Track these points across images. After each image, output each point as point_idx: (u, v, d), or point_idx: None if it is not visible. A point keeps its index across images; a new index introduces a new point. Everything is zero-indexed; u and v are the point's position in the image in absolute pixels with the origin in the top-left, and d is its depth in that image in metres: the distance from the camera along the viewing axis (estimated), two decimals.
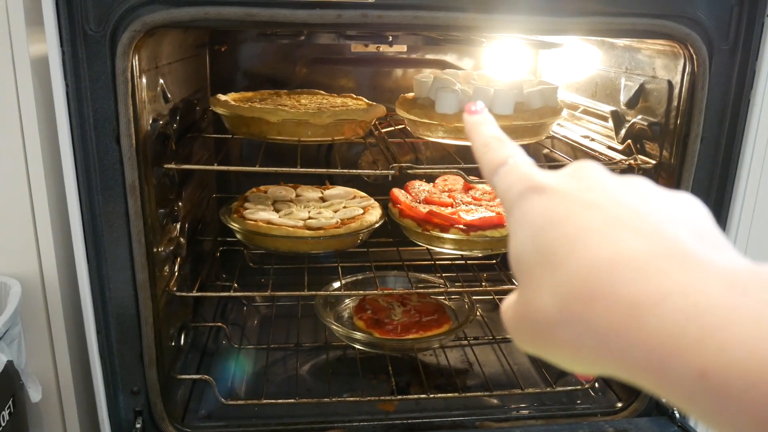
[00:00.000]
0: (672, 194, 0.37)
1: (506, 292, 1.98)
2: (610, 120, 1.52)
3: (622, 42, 1.49)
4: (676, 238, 0.31)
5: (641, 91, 1.41)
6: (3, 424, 1.10)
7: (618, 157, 1.45)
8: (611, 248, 0.32)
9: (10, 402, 1.13)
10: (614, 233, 0.32)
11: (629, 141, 1.43)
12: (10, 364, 1.09)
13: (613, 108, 1.52)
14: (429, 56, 2.00)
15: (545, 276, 0.34)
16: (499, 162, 0.44)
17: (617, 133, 1.49)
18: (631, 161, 1.39)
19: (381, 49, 1.91)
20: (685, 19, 1.18)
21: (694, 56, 1.21)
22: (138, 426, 1.29)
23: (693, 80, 1.22)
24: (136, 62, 1.12)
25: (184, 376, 1.44)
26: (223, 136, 1.56)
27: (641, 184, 0.38)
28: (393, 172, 1.31)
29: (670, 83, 1.30)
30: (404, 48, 1.94)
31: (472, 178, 1.38)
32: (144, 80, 1.19)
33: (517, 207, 0.39)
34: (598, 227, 0.33)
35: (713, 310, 0.28)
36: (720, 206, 1.30)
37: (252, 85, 1.91)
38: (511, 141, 0.46)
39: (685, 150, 1.26)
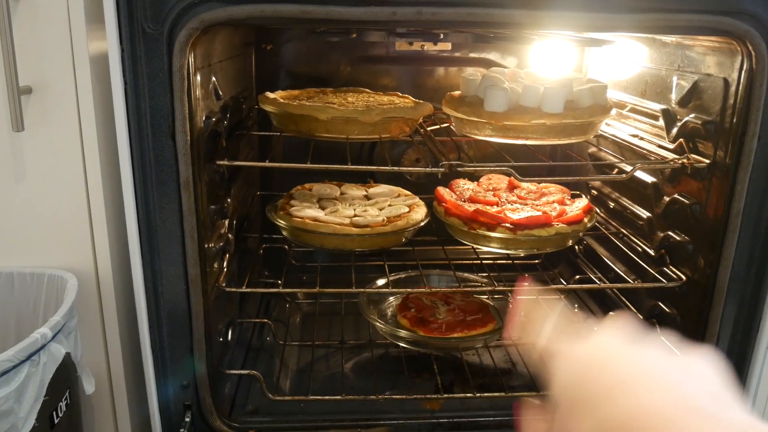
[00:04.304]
0: (691, 354, 0.43)
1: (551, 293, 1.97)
2: (661, 119, 1.49)
3: (673, 39, 1.46)
4: (694, 395, 0.38)
5: (694, 89, 1.38)
6: (60, 415, 1.12)
7: (669, 156, 1.43)
8: (643, 398, 0.38)
9: (67, 393, 1.15)
10: (646, 386, 0.39)
11: (681, 140, 1.41)
12: (68, 356, 1.11)
13: (664, 106, 1.49)
14: (473, 54, 1.99)
15: (588, 410, 0.41)
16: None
17: (668, 131, 1.46)
18: (684, 160, 1.36)
19: (425, 48, 1.91)
20: (744, 15, 1.15)
21: (753, 53, 1.18)
22: (187, 420, 1.31)
23: (751, 77, 1.20)
24: (191, 60, 1.13)
25: (232, 371, 1.46)
26: (272, 134, 1.57)
27: (666, 344, 0.45)
28: (443, 169, 1.31)
29: (725, 81, 1.27)
30: (448, 46, 1.93)
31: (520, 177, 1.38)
32: (198, 78, 1.20)
33: (565, 346, 0.47)
34: (633, 380, 0.40)
35: None
36: None
37: (296, 83, 1.92)
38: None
39: (741, 149, 1.24)
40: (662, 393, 0.38)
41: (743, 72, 1.22)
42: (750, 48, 1.18)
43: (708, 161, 1.33)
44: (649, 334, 0.45)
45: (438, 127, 1.67)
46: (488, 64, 1.97)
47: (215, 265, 1.38)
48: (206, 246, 1.28)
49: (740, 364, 1.36)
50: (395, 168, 1.39)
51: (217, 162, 1.31)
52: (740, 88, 1.23)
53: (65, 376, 1.13)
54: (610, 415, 0.38)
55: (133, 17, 1.07)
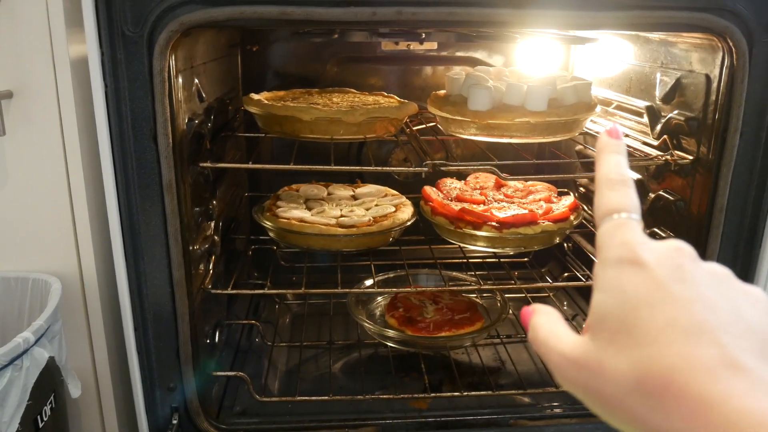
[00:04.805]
0: (746, 295, 0.42)
1: (539, 290, 1.98)
2: (645, 116, 1.50)
3: (657, 36, 1.47)
4: (741, 352, 0.38)
5: (677, 86, 1.39)
6: (45, 419, 1.12)
7: (654, 153, 1.43)
8: (690, 349, 0.38)
9: (52, 397, 1.15)
10: (695, 336, 0.38)
11: (665, 137, 1.41)
12: (51, 360, 1.11)
13: (648, 103, 1.50)
14: (459, 53, 1.99)
15: (629, 346, 0.40)
16: (616, 208, 0.47)
17: (652, 128, 1.47)
18: (668, 157, 1.37)
19: (411, 47, 1.91)
20: (724, 11, 1.16)
21: (733, 49, 1.18)
22: (174, 422, 1.31)
23: (732, 74, 1.20)
24: (172, 62, 1.13)
25: (219, 373, 1.46)
26: (255, 135, 1.57)
27: (723, 281, 0.43)
28: (426, 169, 1.31)
29: (707, 77, 1.28)
30: (435, 45, 1.93)
31: (504, 175, 1.38)
32: (180, 80, 1.20)
33: (614, 269, 0.43)
34: (683, 326, 0.39)
35: (761, 414, 0.34)
36: (760, 202, 1.27)
37: (283, 84, 1.92)
38: (633, 188, 0.48)
39: (723, 145, 1.24)
40: (709, 347, 0.37)
41: (724, 68, 1.22)
42: (731, 44, 1.18)
43: (691, 157, 1.33)
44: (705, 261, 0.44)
45: (424, 126, 1.68)
46: (475, 62, 1.97)
47: (201, 267, 1.38)
48: (191, 248, 1.27)
49: None
50: (378, 168, 1.40)
51: (201, 164, 1.30)
52: (722, 84, 1.23)
53: (49, 381, 1.13)
54: (650, 360, 0.39)
55: (113, 20, 1.06)
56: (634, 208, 0.47)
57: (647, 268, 0.42)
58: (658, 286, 0.41)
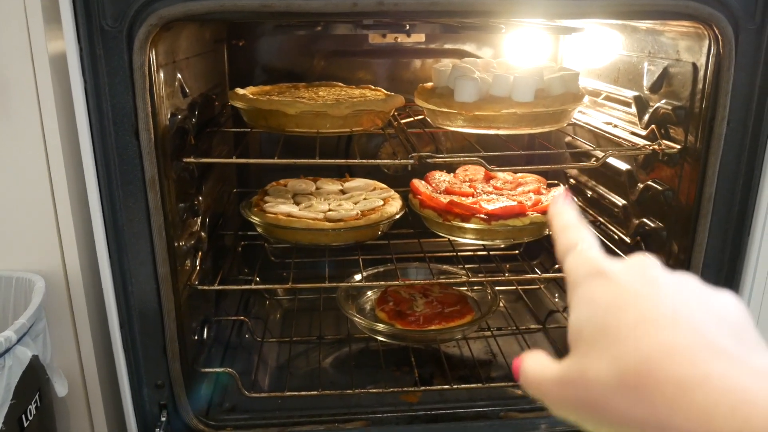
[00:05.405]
0: (715, 294, 0.43)
1: (529, 282, 1.97)
2: (633, 105, 1.49)
3: (644, 25, 1.46)
4: (716, 336, 0.38)
5: (665, 75, 1.38)
6: (30, 418, 1.11)
7: (642, 142, 1.42)
8: (665, 338, 0.38)
9: (37, 396, 1.14)
10: (668, 326, 0.39)
11: (653, 126, 1.41)
12: (35, 359, 1.10)
13: (636, 93, 1.49)
14: (447, 46, 1.98)
15: (605, 349, 0.41)
16: (572, 244, 0.50)
17: (641, 118, 1.46)
18: (655, 146, 1.36)
19: (399, 40, 1.89)
20: None
21: (719, 37, 1.17)
22: (163, 419, 1.30)
23: (718, 62, 1.19)
24: (153, 57, 1.12)
25: (207, 370, 1.45)
26: (242, 130, 1.56)
27: (689, 282, 0.44)
28: (412, 161, 1.30)
29: (694, 65, 1.27)
30: (422, 38, 1.92)
31: (492, 167, 1.37)
32: (162, 75, 1.19)
33: (582, 286, 0.46)
34: (654, 319, 0.40)
35: (742, 392, 0.34)
36: (748, 190, 1.27)
37: (270, 79, 1.91)
38: (585, 227, 0.52)
39: (710, 134, 1.23)
40: (684, 333, 0.38)
41: (711, 56, 1.21)
42: (716, 32, 1.17)
43: (679, 147, 1.32)
44: (673, 270, 0.45)
45: (412, 119, 1.67)
46: (463, 54, 1.96)
47: (187, 264, 1.37)
48: (176, 244, 1.27)
49: None
50: (364, 161, 1.39)
51: (184, 159, 1.29)
52: (708, 72, 1.22)
53: (34, 379, 1.12)
54: (627, 355, 0.39)
55: (91, 15, 1.05)
56: (593, 240, 0.50)
57: (613, 278, 0.44)
58: (625, 290, 0.43)
